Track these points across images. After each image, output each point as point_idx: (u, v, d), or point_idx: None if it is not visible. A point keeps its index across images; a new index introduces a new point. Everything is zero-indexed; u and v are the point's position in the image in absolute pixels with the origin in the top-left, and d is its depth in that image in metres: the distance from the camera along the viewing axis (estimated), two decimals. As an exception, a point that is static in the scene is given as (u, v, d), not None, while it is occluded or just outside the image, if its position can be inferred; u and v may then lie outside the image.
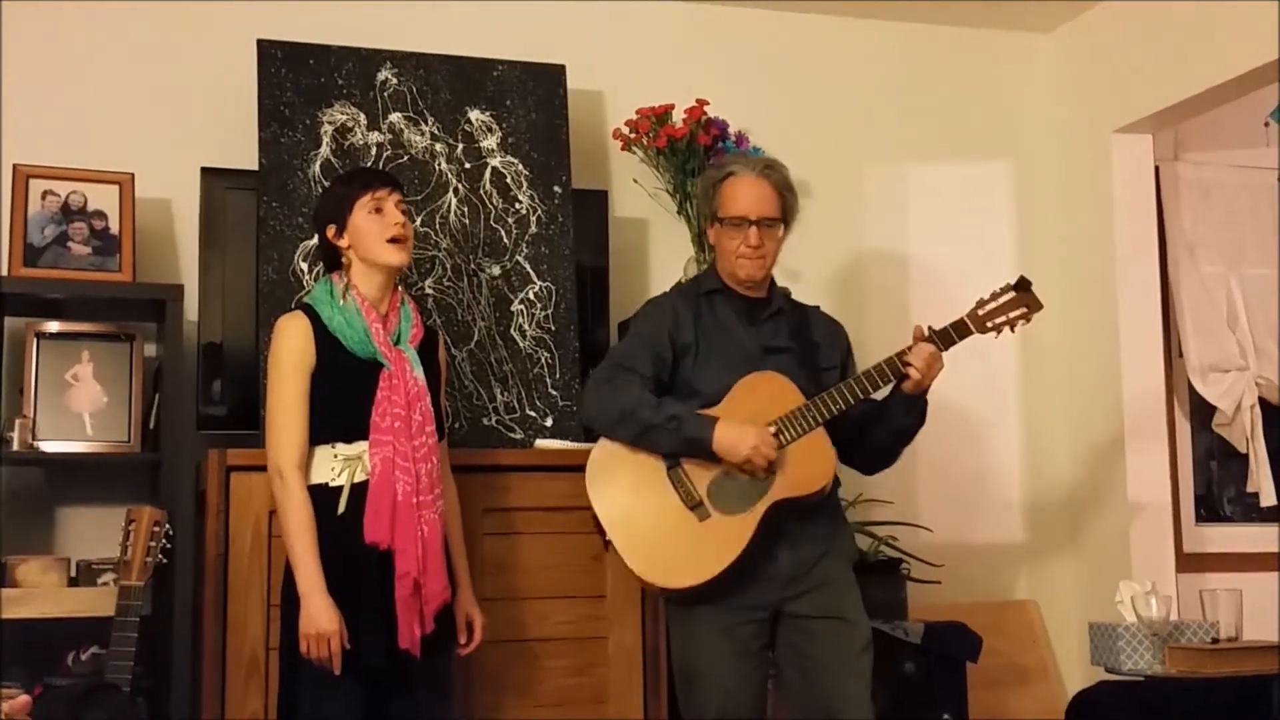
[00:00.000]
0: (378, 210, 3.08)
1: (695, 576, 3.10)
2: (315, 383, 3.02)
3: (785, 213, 3.26)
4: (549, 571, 3.56)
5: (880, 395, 3.21)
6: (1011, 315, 3.19)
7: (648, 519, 3.15)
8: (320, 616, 2.88)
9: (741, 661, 3.14)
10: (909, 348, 3.15)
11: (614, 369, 3.23)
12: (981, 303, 3.21)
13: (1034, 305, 3.21)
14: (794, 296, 3.48)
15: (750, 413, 3.12)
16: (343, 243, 3.11)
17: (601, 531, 3.18)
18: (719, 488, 3.13)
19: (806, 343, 3.29)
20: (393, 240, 3.07)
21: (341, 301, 3.06)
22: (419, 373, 3.08)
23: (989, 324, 3.19)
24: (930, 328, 3.18)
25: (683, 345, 3.24)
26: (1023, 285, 3.20)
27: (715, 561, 3.08)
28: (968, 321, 3.18)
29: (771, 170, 3.27)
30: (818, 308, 3.45)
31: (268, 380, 3.07)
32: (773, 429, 3.09)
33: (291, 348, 3.02)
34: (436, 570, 2.99)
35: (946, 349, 3.16)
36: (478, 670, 3.40)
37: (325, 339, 3.03)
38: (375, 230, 3.07)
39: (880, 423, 3.24)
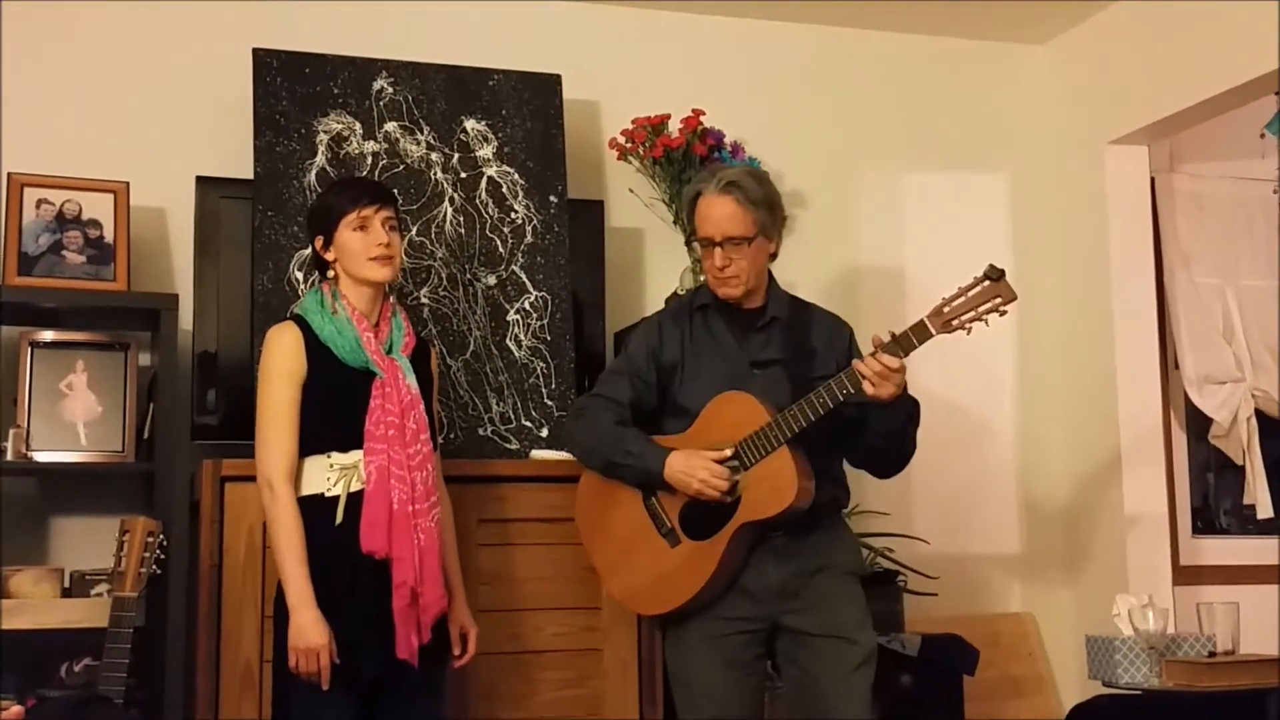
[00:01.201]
0: (362, 228, 3.06)
1: (665, 605, 3.14)
2: (307, 392, 3.01)
3: (759, 227, 3.14)
4: (544, 583, 3.56)
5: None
6: (981, 309, 2.95)
7: (625, 547, 3.20)
8: (309, 630, 2.86)
9: (730, 671, 3.13)
10: (865, 357, 3.00)
11: (590, 400, 3.27)
12: (945, 300, 2.98)
13: (1007, 295, 2.94)
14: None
15: (717, 436, 3.10)
16: (329, 255, 3.10)
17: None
18: (690, 514, 3.13)
19: (800, 352, 3.23)
20: (376, 259, 3.05)
21: (332, 311, 3.05)
22: (412, 381, 3.07)
23: (953, 322, 2.96)
24: (892, 333, 3.00)
25: (669, 364, 3.22)
26: (993, 275, 2.94)
27: (683, 590, 3.11)
28: (927, 324, 2.97)
29: (734, 186, 3.12)
30: (825, 310, 3.37)
31: (258, 391, 3.05)
32: (731, 452, 3.06)
33: (282, 358, 3.01)
34: (433, 579, 2.98)
35: (906, 355, 2.99)
36: (473, 682, 3.39)
37: (316, 348, 3.02)
38: (359, 249, 3.05)
39: (869, 427, 3.14)
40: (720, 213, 3.14)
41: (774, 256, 3.26)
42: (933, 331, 2.98)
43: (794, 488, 3.02)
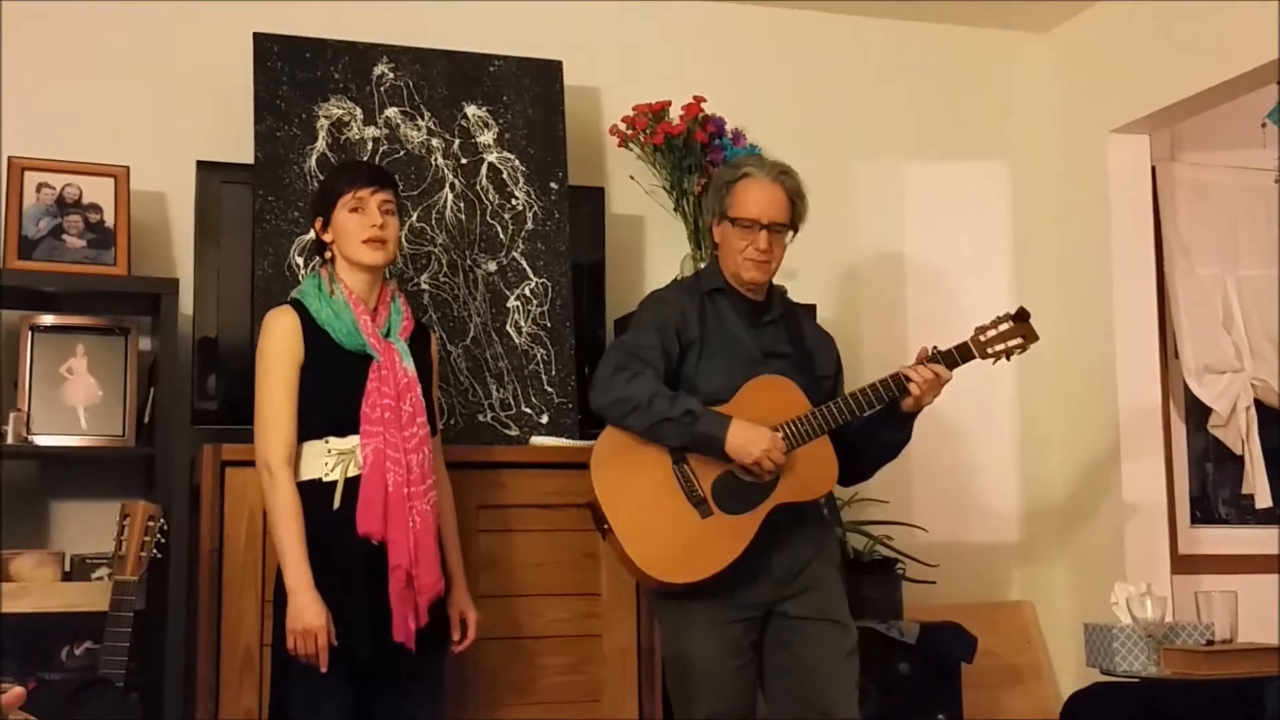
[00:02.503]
0: (358, 209, 3.06)
1: (694, 574, 3.09)
2: (305, 376, 3.01)
3: (794, 219, 3.28)
4: (544, 569, 3.56)
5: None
6: (1009, 344, 3.24)
7: (650, 512, 3.12)
8: (307, 612, 2.87)
9: (732, 658, 3.14)
10: (914, 365, 3.17)
11: (628, 358, 3.18)
12: (981, 329, 3.24)
13: (1030, 336, 3.25)
14: (790, 295, 3.50)
15: (757, 414, 3.12)
16: (327, 237, 3.11)
17: (601, 519, 3.13)
18: (723, 486, 3.12)
19: (803, 350, 3.31)
20: (369, 241, 3.05)
21: (329, 294, 3.05)
22: (409, 364, 3.07)
23: (989, 350, 3.24)
24: (935, 348, 3.20)
25: (687, 341, 3.23)
26: (1021, 316, 3.24)
27: (715, 560, 3.08)
28: (971, 346, 3.22)
29: (786, 176, 3.28)
30: (810, 315, 3.46)
31: (256, 375, 3.05)
32: (780, 433, 3.10)
33: (279, 342, 3.01)
34: (429, 562, 2.98)
35: (950, 369, 3.19)
36: (472, 668, 3.40)
37: (314, 332, 3.02)
38: (353, 230, 3.06)
39: (869, 437, 3.27)
40: (772, 198, 3.24)
41: None
42: (975, 354, 3.23)
43: (835, 475, 3.18)
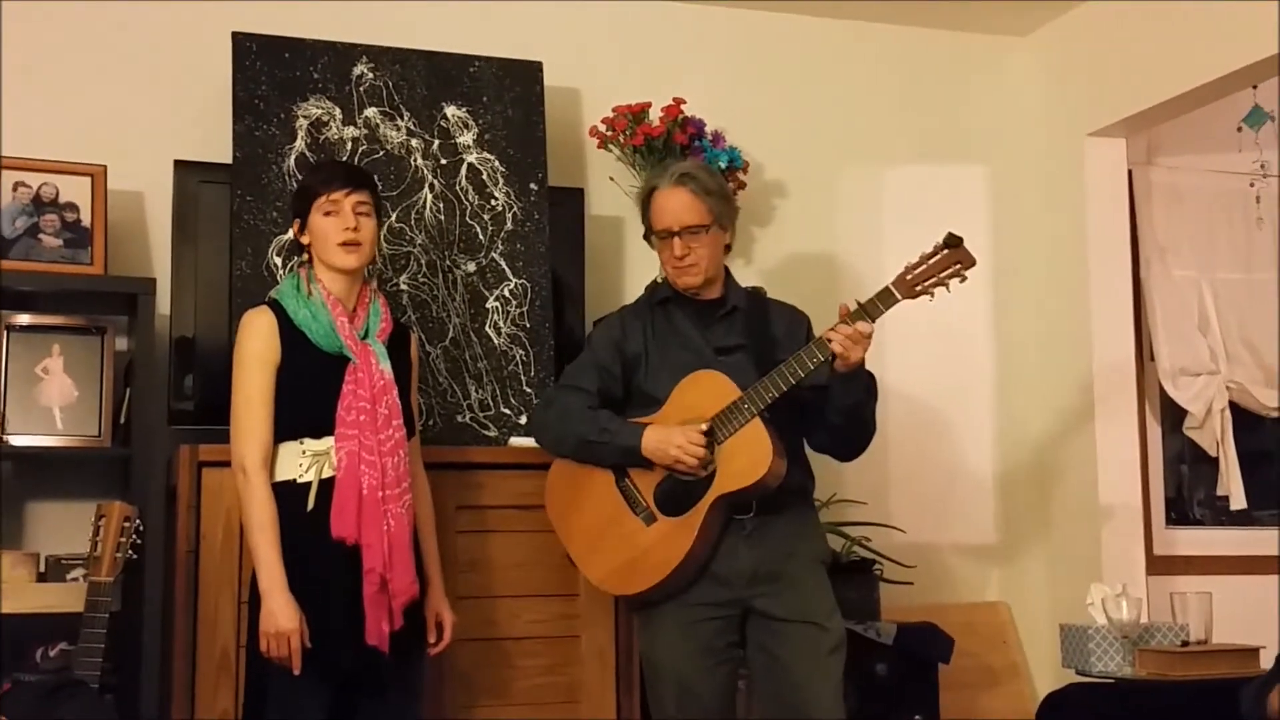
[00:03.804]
0: (332, 212, 3.05)
1: (645, 582, 3.14)
2: (281, 378, 3.00)
3: (715, 216, 3.22)
4: (522, 569, 3.56)
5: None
6: (943, 275, 3.06)
7: (599, 530, 3.21)
8: (279, 614, 2.86)
9: (703, 658, 3.14)
10: (834, 325, 3.06)
11: (556, 391, 3.32)
12: (909, 268, 3.07)
13: (967, 260, 3.06)
14: (768, 295, 3.48)
15: (690, 412, 3.13)
16: (305, 239, 3.10)
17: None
18: (665, 492, 3.15)
19: (763, 339, 3.26)
20: (344, 244, 3.04)
21: (308, 295, 3.05)
22: (386, 366, 3.05)
23: (917, 288, 3.06)
24: (857, 301, 3.08)
25: (633, 356, 3.26)
26: (952, 242, 3.06)
27: (662, 566, 3.12)
28: (892, 289, 3.06)
29: (687, 178, 3.22)
30: (782, 302, 3.41)
31: (233, 376, 3.04)
32: (705, 426, 3.10)
33: (255, 343, 3.00)
34: (403, 565, 2.97)
35: (874, 320, 3.05)
36: (449, 669, 3.39)
37: (291, 333, 3.01)
38: (329, 233, 3.04)
39: (828, 405, 3.18)
40: (677, 203, 3.21)
41: (729, 248, 3.33)
42: (898, 297, 3.07)
43: (769, 456, 3.06)
